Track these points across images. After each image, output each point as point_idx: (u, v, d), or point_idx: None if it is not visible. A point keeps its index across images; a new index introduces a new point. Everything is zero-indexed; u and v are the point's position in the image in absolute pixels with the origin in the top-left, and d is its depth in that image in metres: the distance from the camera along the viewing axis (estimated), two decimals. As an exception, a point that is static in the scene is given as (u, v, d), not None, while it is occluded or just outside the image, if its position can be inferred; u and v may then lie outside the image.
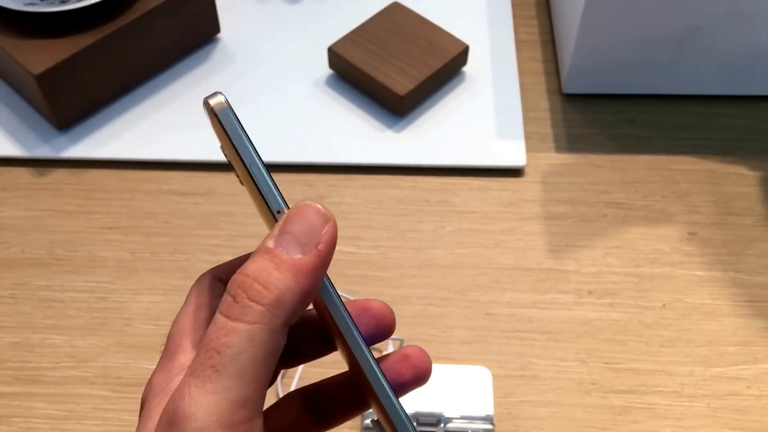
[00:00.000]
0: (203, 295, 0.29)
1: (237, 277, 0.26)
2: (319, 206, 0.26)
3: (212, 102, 0.27)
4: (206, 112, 0.28)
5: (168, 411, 0.25)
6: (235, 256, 0.31)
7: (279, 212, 0.27)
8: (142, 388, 0.28)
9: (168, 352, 0.28)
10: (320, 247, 0.26)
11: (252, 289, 0.25)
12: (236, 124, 0.27)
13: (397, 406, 0.28)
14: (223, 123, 0.27)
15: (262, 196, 0.27)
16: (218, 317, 0.25)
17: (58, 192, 0.63)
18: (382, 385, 0.28)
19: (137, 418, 0.27)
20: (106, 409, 0.52)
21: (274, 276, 0.25)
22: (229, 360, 0.24)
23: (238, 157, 0.27)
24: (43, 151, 0.64)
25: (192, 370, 0.25)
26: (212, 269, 0.30)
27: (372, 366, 0.28)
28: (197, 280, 0.30)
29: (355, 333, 0.28)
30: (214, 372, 0.24)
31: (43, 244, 0.60)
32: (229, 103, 0.27)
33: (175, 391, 0.25)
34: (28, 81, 0.61)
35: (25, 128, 0.66)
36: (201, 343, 0.25)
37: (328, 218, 0.26)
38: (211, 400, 0.24)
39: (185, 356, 0.28)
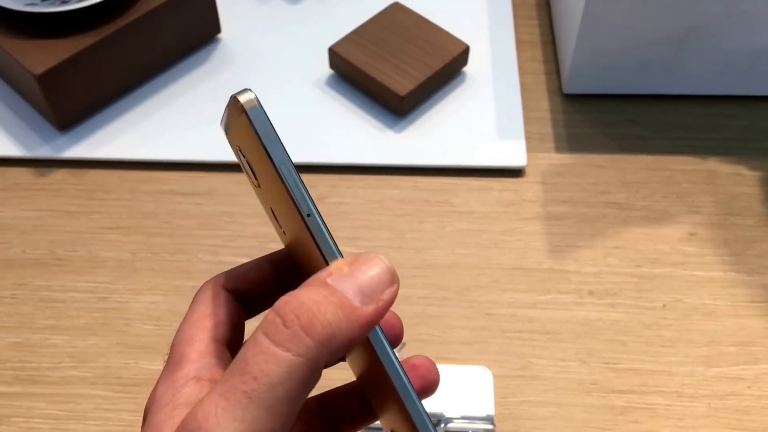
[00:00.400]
0: (207, 304, 0.29)
1: (290, 301, 0.24)
2: (389, 263, 0.26)
3: (242, 99, 0.25)
4: (230, 110, 0.26)
5: (187, 429, 0.24)
6: (236, 257, 0.30)
7: (309, 216, 0.26)
8: (143, 389, 0.27)
9: (172, 362, 0.28)
10: (380, 303, 0.25)
11: (304, 318, 0.24)
12: (268, 122, 0.25)
13: (424, 416, 0.26)
14: (253, 122, 0.25)
15: (292, 199, 0.26)
16: (260, 338, 0.24)
17: (58, 192, 0.63)
18: (409, 392, 0.26)
19: (138, 418, 0.27)
20: (107, 409, 0.52)
21: (330, 313, 0.24)
22: (265, 389, 0.23)
23: (267, 157, 0.25)
24: (44, 152, 0.64)
25: (222, 391, 0.23)
26: (215, 278, 0.30)
27: (399, 372, 0.26)
28: (200, 288, 0.30)
29: (382, 337, 0.26)
30: (245, 398, 0.23)
31: (44, 245, 0.60)
32: (259, 101, 0.25)
33: (197, 409, 0.24)
34: (28, 81, 0.61)
35: (26, 128, 0.66)
36: (234, 363, 0.24)
37: (395, 279, 0.26)
38: (238, 428, 0.23)
39: (190, 366, 0.27)
